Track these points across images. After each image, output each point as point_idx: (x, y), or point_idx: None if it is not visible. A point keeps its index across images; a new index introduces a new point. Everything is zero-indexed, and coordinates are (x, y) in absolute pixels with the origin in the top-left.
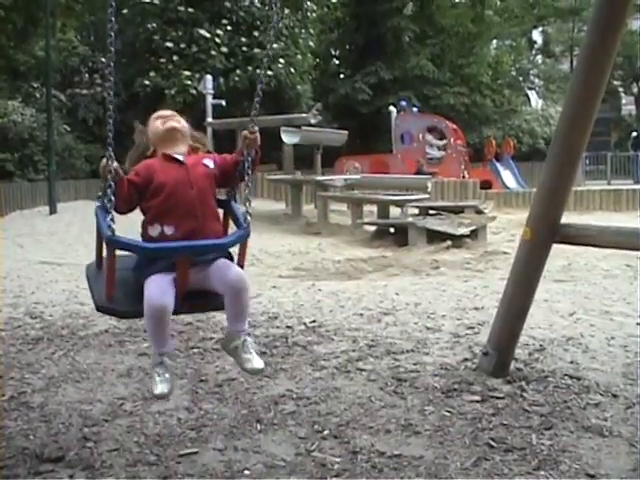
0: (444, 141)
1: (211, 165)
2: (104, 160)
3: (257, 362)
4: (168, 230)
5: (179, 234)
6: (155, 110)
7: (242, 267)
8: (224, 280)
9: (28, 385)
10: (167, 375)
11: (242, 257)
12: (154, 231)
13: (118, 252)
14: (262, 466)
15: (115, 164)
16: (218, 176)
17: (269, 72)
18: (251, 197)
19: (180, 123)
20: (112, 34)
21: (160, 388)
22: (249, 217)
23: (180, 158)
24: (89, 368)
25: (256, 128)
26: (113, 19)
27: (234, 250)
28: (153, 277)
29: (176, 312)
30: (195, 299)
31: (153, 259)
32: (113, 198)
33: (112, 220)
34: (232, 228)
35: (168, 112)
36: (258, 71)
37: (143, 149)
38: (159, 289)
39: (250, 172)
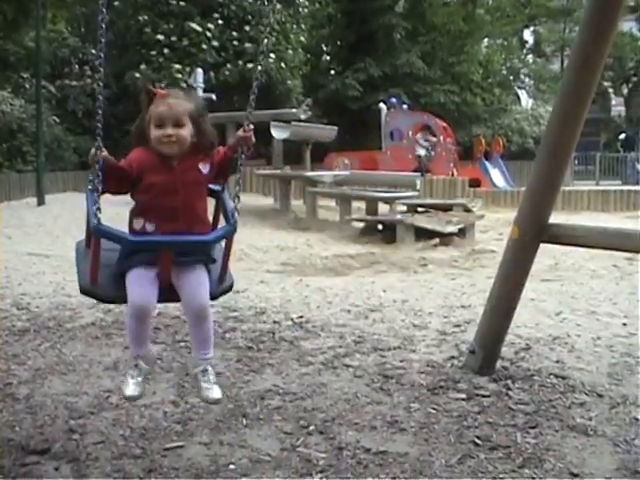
0: (434, 139)
1: (205, 170)
2: (93, 150)
3: (215, 392)
4: (149, 227)
5: (159, 233)
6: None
7: (226, 266)
8: (188, 304)
9: (14, 376)
10: (140, 379)
11: (227, 255)
12: (137, 224)
13: None
14: (247, 461)
15: (104, 153)
16: (212, 177)
17: (259, 67)
18: (240, 193)
19: (180, 132)
20: (103, 25)
21: (131, 390)
22: (237, 214)
23: (174, 163)
24: (75, 360)
25: (251, 126)
26: (105, 10)
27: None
28: (135, 271)
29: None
30: (173, 293)
31: (137, 251)
32: (100, 187)
33: (99, 209)
34: (222, 223)
35: (170, 110)
36: (251, 65)
37: (143, 131)
38: (141, 288)
39: (240, 169)
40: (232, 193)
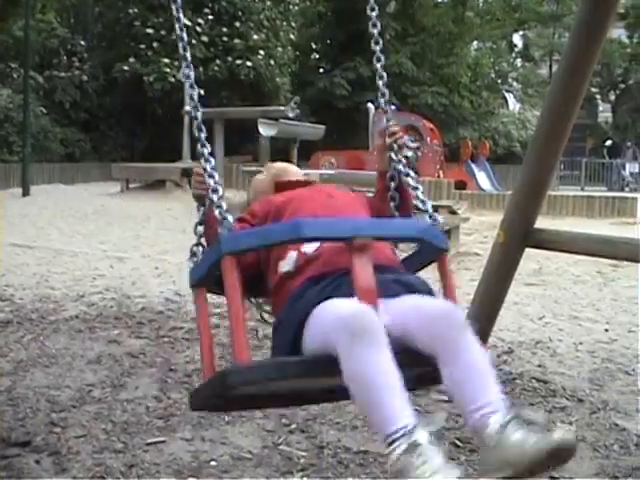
0: (419, 143)
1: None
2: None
3: (562, 433)
4: (307, 248)
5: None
6: (136, 96)
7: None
8: (424, 319)
9: None
10: (439, 454)
11: (450, 286)
12: (287, 266)
13: None
14: (229, 457)
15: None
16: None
17: (248, 63)
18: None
19: None
20: None
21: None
22: (440, 218)
23: None
24: (58, 353)
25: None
26: None
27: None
28: (322, 305)
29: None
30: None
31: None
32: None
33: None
34: None
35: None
36: (240, 62)
37: None
38: (344, 301)
39: (418, 176)
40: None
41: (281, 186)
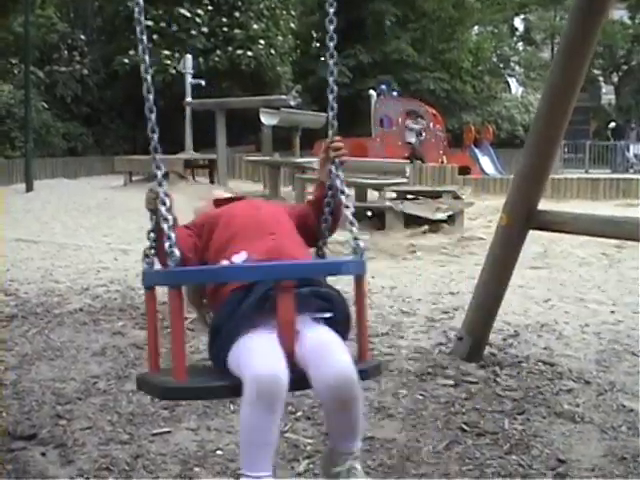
0: (423, 125)
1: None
2: (150, 192)
3: None
4: (237, 258)
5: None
6: (137, 88)
7: (365, 332)
8: (321, 374)
9: (1, 362)
10: None
11: (361, 315)
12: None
13: None
14: (235, 446)
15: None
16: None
17: (249, 53)
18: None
19: None
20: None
21: None
22: (362, 244)
23: None
24: (63, 346)
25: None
26: None
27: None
28: (246, 337)
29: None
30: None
31: (238, 303)
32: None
33: (172, 247)
34: None
35: None
36: (241, 52)
37: None
38: (265, 355)
39: (346, 193)
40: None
41: (219, 202)
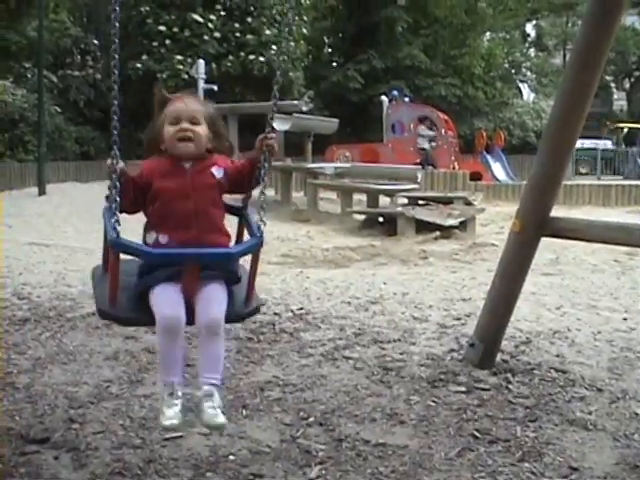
0: (435, 132)
1: (219, 174)
2: (109, 160)
3: (219, 417)
4: (162, 239)
5: (172, 245)
6: (149, 93)
7: (253, 286)
8: (199, 318)
9: (14, 366)
10: (178, 407)
11: (253, 274)
12: (150, 238)
13: (125, 256)
14: (247, 452)
15: (121, 164)
16: (227, 186)
17: (261, 58)
18: (265, 205)
19: (196, 129)
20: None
21: (169, 419)
22: (263, 226)
23: (186, 165)
24: (76, 350)
25: (274, 134)
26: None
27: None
28: (161, 287)
29: (189, 323)
30: None
31: (157, 266)
32: (118, 199)
33: (117, 222)
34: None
35: (186, 106)
36: (253, 57)
37: (157, 135)
38: (170, 302)
39: (264, 180)
40: (257, 204)
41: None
